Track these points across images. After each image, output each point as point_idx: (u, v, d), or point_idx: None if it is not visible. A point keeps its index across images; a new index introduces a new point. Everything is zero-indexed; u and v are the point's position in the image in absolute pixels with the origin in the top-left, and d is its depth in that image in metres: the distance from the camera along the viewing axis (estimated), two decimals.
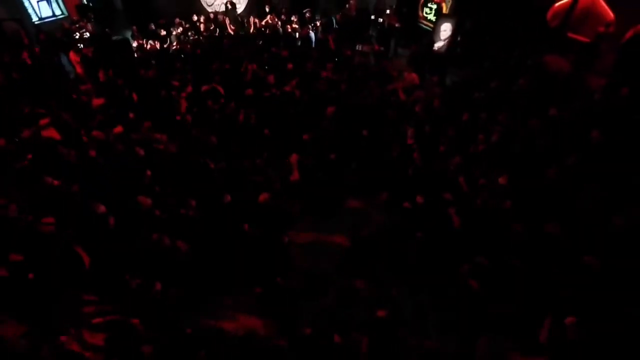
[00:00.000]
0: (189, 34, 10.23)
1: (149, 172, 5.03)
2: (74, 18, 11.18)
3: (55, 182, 4.99)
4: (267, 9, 12.67)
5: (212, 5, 13.14)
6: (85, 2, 11.88)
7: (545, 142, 5.49)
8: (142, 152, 5.25)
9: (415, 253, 4.81)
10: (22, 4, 12.75)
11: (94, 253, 4.53)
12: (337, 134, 6.70)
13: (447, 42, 11.26)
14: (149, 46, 8.85)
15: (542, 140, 5.54)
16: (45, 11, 13.61)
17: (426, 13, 12.77)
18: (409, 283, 4.94)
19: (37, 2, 13.27)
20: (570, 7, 10.41)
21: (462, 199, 5.09)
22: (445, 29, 11.46)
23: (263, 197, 5.03)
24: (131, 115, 6.56)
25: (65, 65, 10.32)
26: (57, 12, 13.62)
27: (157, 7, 12.16)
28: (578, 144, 5.35)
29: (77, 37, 9.52)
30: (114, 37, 8.88)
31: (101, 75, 7.72)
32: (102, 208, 4.58)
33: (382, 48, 10.99)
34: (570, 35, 10.57)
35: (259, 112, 7.00)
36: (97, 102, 8.23)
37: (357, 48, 11.91)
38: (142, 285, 4.22)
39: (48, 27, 12.30)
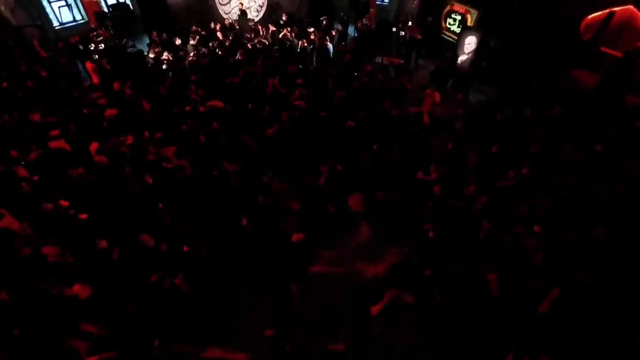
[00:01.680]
0: (210, 44, 10.01)
1: (160, 205, 4.81)
2: (92, 25, 11.15)
3: (63, 203, 4.82)
4: (283, 18, 12.40)
5: (229, 13, 12.97)
6: (105, 9, 11.85)
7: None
8: (150, 180, 5.04)
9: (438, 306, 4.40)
10: (44, 9, 12.93)
11: (95, 285, 4.35)
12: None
13: (472, 56, 10.77)
14: (164, 59, 8.66)
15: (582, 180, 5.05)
16: (66, 16, 13.75)
17: (449, 24, 12.28)
18: (432, 335, 4.55)
19: (59, 7, 13.48)
20: (605, 21, 9.79)
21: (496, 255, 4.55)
22: (470, 42, 10.94)
23: (297, 237, 4.72)
24: (146, 133, 6.36)
25: (82, 72, 10.36)
26: (78, 17, 13.75)
27: (174, 15, 12.05)
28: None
29: (93, 46, 9.43)
30: (129, 49, 8.76)
31: (116, 86, 7.60)
32: (103, 243, 4.38)
33: (402, 61, 10.56)
34: (604, 49, 9.95)
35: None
36: (111, 112, 8.13)
37: (376, 60, 11.55)
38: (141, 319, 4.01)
39: (67, 33, 12.43)
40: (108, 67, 8.36)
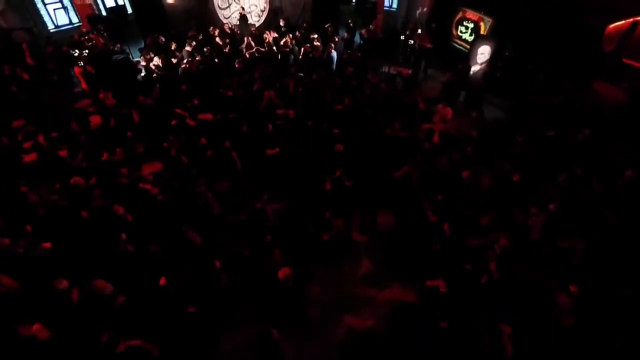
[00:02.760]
0: (205, 50, 9.44)
1: (123, 236, 4.17)
2: (83, 30, 10.64)
3: (22, 242, 4.22)
4: (282, 24, 11.81)
5: (229, 17, 12.42)
6: (97, 13, 11.34)
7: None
8: (121, 210, 4.42)
9: None
10: (38, 11, 12.49)
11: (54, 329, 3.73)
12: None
13: (484, 66, 10.08)
14: (153, 66, 8.06)
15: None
16: (62, 19, 13.29)
17: (461, 32, 11.60)
18: None
19: (54, 10, 13.04)
20: (629, 30, 9.09)
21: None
22: (483, 52, 10.25)
23: (283, 273, 4.03)
24: (118, 150, 5.71)
25: (75, 77, 9.85)
26: (75, 20, 13.29)
27: (171, 19, 11.53)
28: None
29: (77, 51, 8.85)
30: (115, 57, 8.21)
31: (101, 95, 7.02)
32: (64, 284, 3.76)
33: (410, 71, 9.90)
34: (626, 61, 9.22)
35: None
36: (96, 120, 7.56)
37: (382, 70, 10.89)
38: None
39: (62, 36, 11.97)
40: (93, 71, 7.78)
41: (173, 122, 6.31)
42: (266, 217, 5.16)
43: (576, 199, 4.69)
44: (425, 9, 13.25)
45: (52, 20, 13.12)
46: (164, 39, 9.92)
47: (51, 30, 12.92)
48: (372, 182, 6.01)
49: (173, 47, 9.59)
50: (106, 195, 4.68)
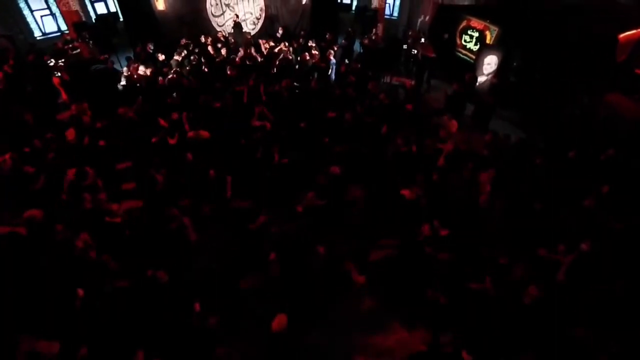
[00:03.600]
0: (192, 58, 8.88)
1: (80, 293, 3.50)
2: (67, 37, 10.09)
3: None
4: (279, 32, 11.32)
5: (223, 25, 11.92)
6: (85, 20, 10.82)
7: None
8: (80, 244, 3.77)
9: None
10: (24, 18, 12.00)
11: None
12: None
13: (491, 77, 9.55)
14: (136, 75, 7.47)
15: None
16: (50, 26, 12.82)
17: (465, 41, 11.11)
18: None
19: (42, 17, 12.55)
20: None
21: None
22: (490, 62, 9.73)
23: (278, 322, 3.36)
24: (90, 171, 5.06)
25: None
26: (63, 27, 12.77)
27: (162, 27, 11.00)
28: None
29: (53, 61, 8.24)
30: (94, 67, 7.63)
31: (74, 108, 6.42)
32: None
33: (413, 82, 9.34)
34: (638, 71, 8.70)
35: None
36: (71, 134, 6.92)
37: (383, 80, 10.35)
38: None
39: (48, 44, 11.44)
40: (68, 81, 7.18)
41: (154, 140, 5.69)
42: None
43: (609, 231, 4.05)
44: (427, 18, 12.80)
45: (39, 28, 12.67)
46: (152, 47, 9.35)
47: (38, 38, 12.45)
48: (374, 206, 5.41)
49: (161, 57, 9.02)
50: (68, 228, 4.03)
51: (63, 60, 8.28)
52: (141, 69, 7.68)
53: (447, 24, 11.10)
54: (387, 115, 6.96)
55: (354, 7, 14.44)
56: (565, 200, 4.72)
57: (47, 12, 12.49)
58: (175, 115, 6.10)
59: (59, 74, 7.64)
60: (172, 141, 5.70)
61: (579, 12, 8.84)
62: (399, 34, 12.75)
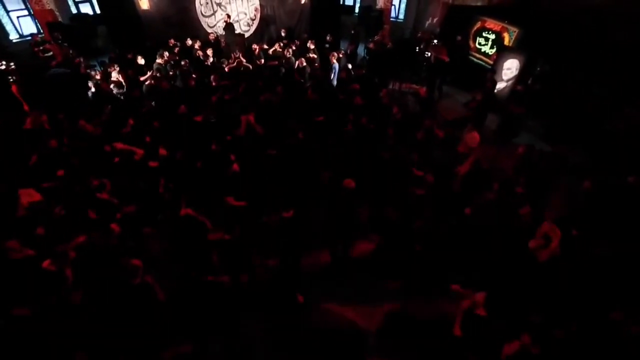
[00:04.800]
0: (183, 63, 7.86)
1: None
2: (37, 39, 9.07)
3: None
4: (283, 34, 10.35)
5: (214, 27, 10.93)
6: (60, 20, 9.82)
7: None
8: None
9: None
10: None
11: None
12: None
13: (512, 83, 8.53)
14: (113, 81, 6.40)
15: None
16: (28, 28, 11.82)
17: (480, 44, 10.12)
18: None
19: (18, 17, 11.58)
20: None
21: None
22: (510, 67, 8.71)
23: None
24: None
25: None
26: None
27: (147, 29, 10.01)
28: None
29: (4, 65, 7.16)
30: (52, 71, 6.57)
31: (29, 122, 5.39)
32: None
33: (425, 90, 8.30)
34: None
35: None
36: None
37: (391, 87, 9.31)
38: None
39: (25, 47, 10.46)
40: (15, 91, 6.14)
41: (116, 160, 4.63)
42: None
43: None
44: (435, 20, 11.84)
45: (15, 30, 11.69)
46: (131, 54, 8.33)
47: (14, 41, 11.49)
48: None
49: (141, 62, 7.98)
50: None
51: (13, 64, 7.19)
52: (114, 75, 6.63)
53: (459, 25, 10.13)
54: (402, 134, 5.88)
55: (357, 9, 13.52)
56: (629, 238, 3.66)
57: (25, 12, 11.55)
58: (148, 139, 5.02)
59: (13, 79, 6.59)
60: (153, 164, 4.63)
61: (617, 14, 7.77)
62: (406, 37, 11.78)
